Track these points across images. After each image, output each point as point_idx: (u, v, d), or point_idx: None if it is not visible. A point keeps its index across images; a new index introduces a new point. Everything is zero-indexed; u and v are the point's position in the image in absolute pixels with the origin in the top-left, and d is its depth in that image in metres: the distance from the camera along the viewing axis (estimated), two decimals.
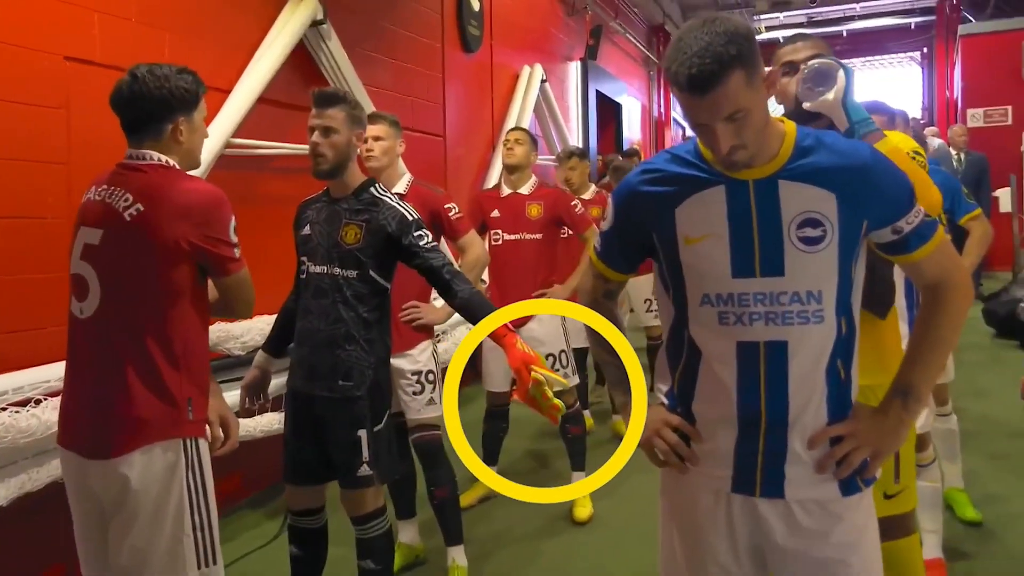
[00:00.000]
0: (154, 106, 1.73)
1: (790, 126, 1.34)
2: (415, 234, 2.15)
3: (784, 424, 1.33)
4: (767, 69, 1.31)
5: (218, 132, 3.38)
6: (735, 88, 1.20)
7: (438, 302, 3.07)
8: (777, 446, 1.34)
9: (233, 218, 1.77)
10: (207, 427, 1.81)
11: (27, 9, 2.74)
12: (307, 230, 2.25)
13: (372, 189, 2.22)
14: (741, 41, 1.20)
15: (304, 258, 2.25)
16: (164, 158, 1.76)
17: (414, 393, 2.83)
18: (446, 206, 2.83)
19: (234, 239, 1.76)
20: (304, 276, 2.24)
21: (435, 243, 2.19)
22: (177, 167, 1.77)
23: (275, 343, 2.41)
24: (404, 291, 2.65)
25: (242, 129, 3.53)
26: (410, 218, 2.17)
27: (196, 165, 1.87)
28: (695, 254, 1.35)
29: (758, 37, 12.75)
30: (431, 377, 2.86)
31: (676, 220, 1.36)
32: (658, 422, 1.45)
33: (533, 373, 1.92)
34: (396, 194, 2.28)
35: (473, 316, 2.10)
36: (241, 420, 3.16)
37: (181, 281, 1.71)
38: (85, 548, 1.79)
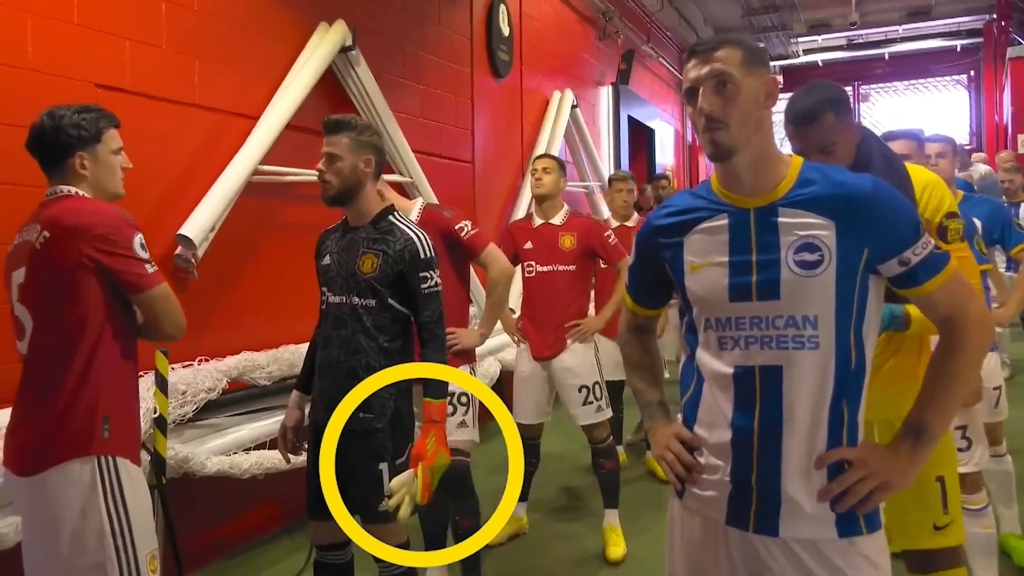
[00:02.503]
0: (51, 144, 1.85)
1: (796, 160, 1.40)
2: (421, 274, 2.13)
3: (777, 454, 1.32)
4: (774, 76, 1.39)
5: (246, 159, 3.38)
6: (731, 57, 1.33)
7: (474, 324, 3.00)
8: (771, 477, 1.33)
9: (139, 235, 1.81)
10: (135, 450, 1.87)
11: (61, 37, 2.76)
12: (327, 260, 2.23)
13: (391, 217, 2.20)
14: (752, 42, 1.38)
15: (324, 288, 2.23)
16: (73, 189, 1.85)
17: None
18: (456, 227, 2.75)
19: (141, 254, 1.80)
20: (324, 307, 2.22)
21: (436, 288, 2.16)
22: (85, 196, 1.85)
23: (308, 380, 2.34)
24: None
25: (270, 156, 3.52)
26: (422, 256, 2.14)
27: (115, 195, 1.93)
28: (697, 280, 1.40)
29: (795, 61, 12.41)
30: (464, 400, 2.80)
31: (684, 248, 1.43)
32: (667, 435, 1.48)
33: (419, 468, 2.02)
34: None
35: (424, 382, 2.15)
36: (269, 451, 3.12)
37: (92, 301, 1.77)
38: (27, 561, 1.84)
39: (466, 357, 2.82)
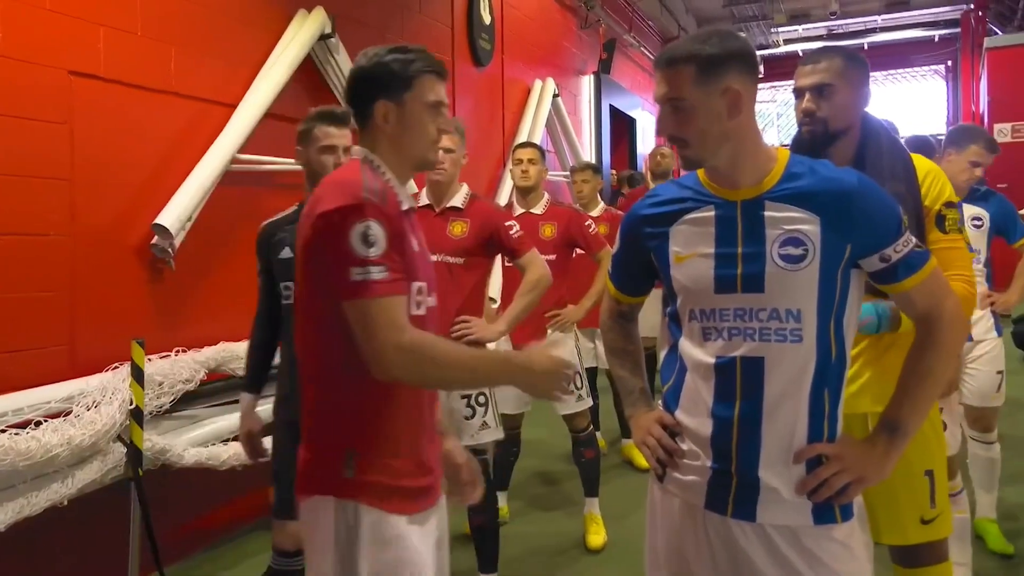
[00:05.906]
0: (355, 93, 1.49)
1: (783, 153, 1.40)
2: None
3: (757, 443, 1.34)
4: (739, 85, 1.32)
5: (224, 147, 3.35)
6: (681, 78, 1.31)
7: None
8: (750, 465, 1.35)
9: (364, 224, 1.34)
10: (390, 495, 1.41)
11: (32, 23, 2.71)
12: (287, 253, 2.18)
13: None
14: (716, 48, 1.31)
15: (288, 283, 2.16)
16: (363, 153, 1.48)
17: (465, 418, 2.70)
18: (506, 224, 2.70)
19: (360, 251, 1.33)
20: (289, 302, 2.16)
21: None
22: (367, 165, 1.44)
23: (256, 379, 2.33)
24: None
25: (248, 144, 3.48)
26: None
27: (424, 164, 1.52)
28: (683, 271, 1.41)
29: (776, 50, 12.21)
30: (482, 400, 2.72)
31: (670, 239, 1.43)
32: (649, 421, 1.50)
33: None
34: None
35: None
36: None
37: (331, 299, 1.35)
38: None
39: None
